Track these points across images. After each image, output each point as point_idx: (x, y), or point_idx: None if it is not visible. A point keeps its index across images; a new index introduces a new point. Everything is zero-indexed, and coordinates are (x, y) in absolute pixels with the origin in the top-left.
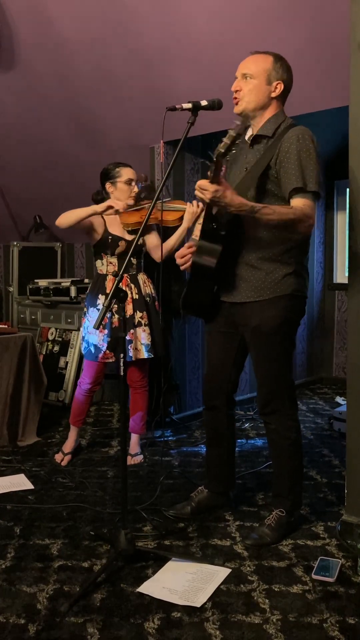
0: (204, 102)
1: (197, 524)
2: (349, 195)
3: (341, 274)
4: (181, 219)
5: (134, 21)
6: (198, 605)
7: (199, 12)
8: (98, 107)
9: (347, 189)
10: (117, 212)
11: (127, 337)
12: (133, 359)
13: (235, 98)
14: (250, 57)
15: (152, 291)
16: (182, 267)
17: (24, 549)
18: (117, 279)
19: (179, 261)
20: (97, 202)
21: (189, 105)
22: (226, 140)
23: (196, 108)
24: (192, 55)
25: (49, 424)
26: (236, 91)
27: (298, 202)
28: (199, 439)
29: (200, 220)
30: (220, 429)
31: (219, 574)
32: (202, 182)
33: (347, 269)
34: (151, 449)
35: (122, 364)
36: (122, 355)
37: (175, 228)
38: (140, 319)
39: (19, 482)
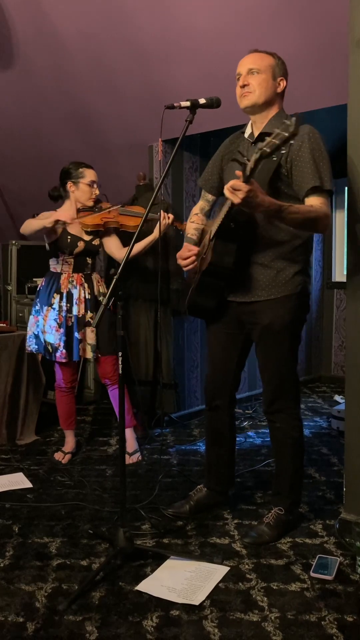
0: (202, 100)
1: (195, 523)
2: (347, 194)
3: (340, 273)
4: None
5: (132, 17)
6: (196, 603)
7: (198, 10)
8: (96, 106)
9: (346, 188)
10: (64, 224)
11: (78, 336)
12: (81, 358)
13: (247, 92)
14: (252, 54)
15: (105, 290)
16: (186, 268)
17: (22, 548)
18: (115, 277)
19: (183, 262)
20: (53, 197)
21: (188, 104)
22: (275, 140)
23: (195, 106)
24: (191, 54)
25: (47, 423)
26: (244, 85)
27: (315, 201)
28: (198, 437)
29: (193, 219)
30: (222, 430)
31: (218, 572)
32: (236, 182)
33: (345, 268)
34: (150, 447)
35: (120, 363)
36: (120, 354)
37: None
38: (90, 319)
39: (18, 481)
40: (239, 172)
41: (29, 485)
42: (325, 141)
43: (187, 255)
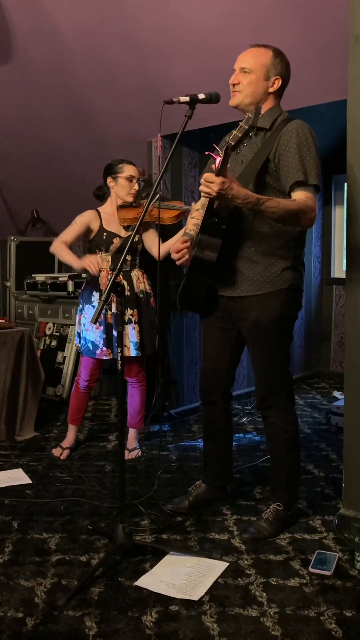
0: (201, 96)
1: (194, 518)
2: (346, 190)
3: (339, 269)
4: (177, 217)
5: (131, 12)
6: (196, 598)
7: (197, 4)
8: (95, 101)
9: (345, 184)
10: (92, 277)
11: (116, 334)
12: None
13: (235, 92)
14: (249, 50)
15: (147, 287)
16: (178, 262)
17: (21, 543)
18: (114, 273)
19: (174, 256)
20: (98, 197)
21: (187, 99)
22: (237, 132)
23: (194, 101)
24: (190, 49)
25: (46, 419)
26: (234, 84)
27: (300, 195)
28: (197, 433)
29: (193, 214)
30: (218, 424)
31: (217, 567)
32: (209, 175)
33: (344, 264)
34: (149, 443)
35: (119, 359)
36: (119, 350)
37: (172, 226)
38: (130, 316)
39: (17, 477)
40: (214, 166)
41: (28, 481)
42: (326, 137)
43: (179, 248)
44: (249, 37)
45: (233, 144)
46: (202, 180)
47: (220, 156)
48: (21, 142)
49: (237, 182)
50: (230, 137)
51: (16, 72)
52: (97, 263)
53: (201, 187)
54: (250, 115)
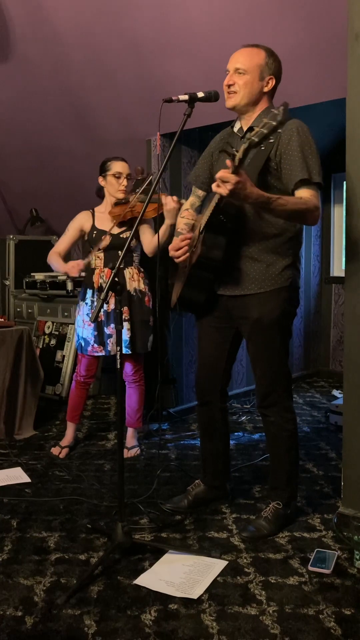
0: (200, 94)
1: (193, 517)
2: (346, 189)
3: (338, 268)
4: (157, 210)
5: (129, 12)
6: (195, 597)
7: (196, 2)
8: (94, 100)
9: (344, 182)
10: (86, 275)
11: (108, 332)
12: (111, 353)
13: (231, 93)
14: (242, 51)
15: (143, 286)
16: (178, 260)
17: (21, 542)
18: (112, 271)
19: (174, 254)
20: (100, 197)
21: (186, 97)
22: (263, 129)
23: (193, 100)
24: (189, 47)
25: (45, 418)
26: (229, 85)
27: (305, 193)
28: (196, 432)
29: (183, 214)
30: (215, 424)
31: (216, 566)
32: (224, 174)
33: (344, 263)
34: (148, 442)
35: (118, 357)
36: (118, 349)
37: (155, 219)
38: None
39: (16, 476)
40: (228, 162)
41: (27, 479)
42: (325, 135)
43: (179, 245)
44: (249, 35)
45: (257, 140)
46: (216, 177)
47: (236, 153)
48: (20, 141)
49: (250, 182)
50: (254, 133)
51: (14, 71)
52: (76, 265)
53: (214, 186)
54: (277, 112)
